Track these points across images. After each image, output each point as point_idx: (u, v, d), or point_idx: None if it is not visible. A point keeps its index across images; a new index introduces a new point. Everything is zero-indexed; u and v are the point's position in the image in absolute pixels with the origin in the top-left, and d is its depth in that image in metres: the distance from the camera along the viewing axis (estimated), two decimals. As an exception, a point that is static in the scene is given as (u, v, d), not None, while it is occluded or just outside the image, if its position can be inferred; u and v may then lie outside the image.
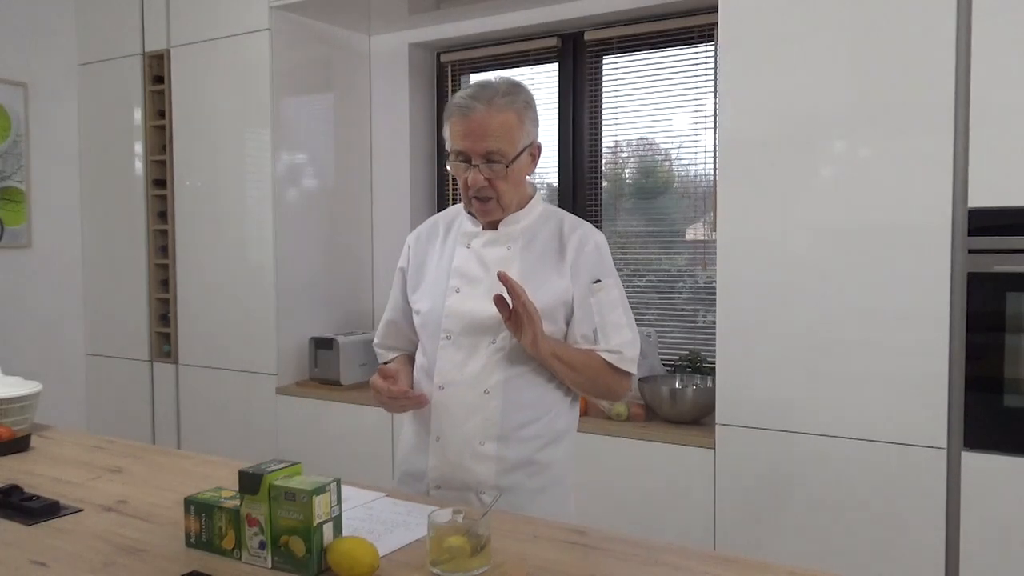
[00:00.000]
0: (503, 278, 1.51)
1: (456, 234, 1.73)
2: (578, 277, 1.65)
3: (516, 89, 1.62)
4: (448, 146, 1.65)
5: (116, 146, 3.79)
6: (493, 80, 1.63)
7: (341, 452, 3.18)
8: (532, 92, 1.67)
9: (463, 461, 1.62)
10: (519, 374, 1.63)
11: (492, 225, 1.69)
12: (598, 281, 1.66)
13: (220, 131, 3.47)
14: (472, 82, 1.66)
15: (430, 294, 1.71)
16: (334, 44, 3.58)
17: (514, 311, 1.52)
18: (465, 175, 1.61)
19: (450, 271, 1.69)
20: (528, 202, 1.71)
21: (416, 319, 1.74)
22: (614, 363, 1.65)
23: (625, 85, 3.25)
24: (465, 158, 1.60)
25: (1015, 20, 2.01)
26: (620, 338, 1.65)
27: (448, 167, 1.66)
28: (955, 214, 2.10)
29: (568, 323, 1.66)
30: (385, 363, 1.83)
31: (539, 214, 1.72)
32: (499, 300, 1.53)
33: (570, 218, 1.73)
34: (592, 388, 1.70)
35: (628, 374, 1.68)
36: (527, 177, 1.71)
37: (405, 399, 1.64)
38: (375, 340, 1.91)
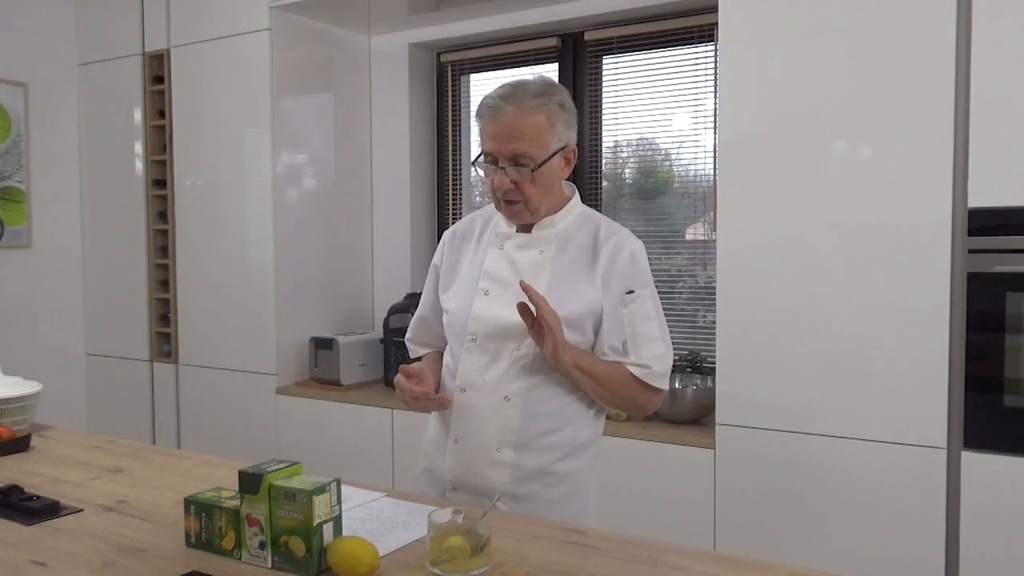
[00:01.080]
0: (525, 288, 1.49)
1: (491, 234, 1.70)
2: (609, 287, 1.60)
3: (550, 90, 1.57)
4: (480, 146, 1.62)
5: (116, 146, 3.79)
6: (528, 80, 1.59)
7: (341, 452, 3.18)
8: (568, 93, 1.62)
9: (479, 466, 1.60)
10: (541, 383, 1.59)
11: (527, 227, 1.66)
12: (631, 292, 1.60)
13: (220, 131, 3.47)
14: (507, 81, 1.62)
15: (459, 294, 1.68)
16: (334, 44, 3.58)
17: (536, 321, 1.51)
18: (493, 176, 1.58)
19: (480, 272, 1.66)
20: (565, 205, 1.67)
21: (444, 318, 1.72)
22: (641, 377, 1.59)
23: (625, 85, 3.25)
24: (493, 159, 1.57)
25: (1015, 20, 2.01)
26: (651, 352, 1.59)
27: (477, 168, 1.63)
28: (955, 214, 2.10)
29: (597, 333, 1.61)
30: (416, 359, 1.82)
31: (576, 218, 1.67)
32: (523, 308, 1.51)
33: (607, 223, 1.68)
34: (616, 401, 1.65)
35: (657, 390, 1.63)
36: (562, 180, 1.66)
37: (427, 400, 1.62)
38: (407, 335, 1.89)
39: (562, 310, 1.54)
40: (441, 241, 1.82)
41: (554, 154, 1.58)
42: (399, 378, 1.63)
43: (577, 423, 1.64)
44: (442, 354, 1.79)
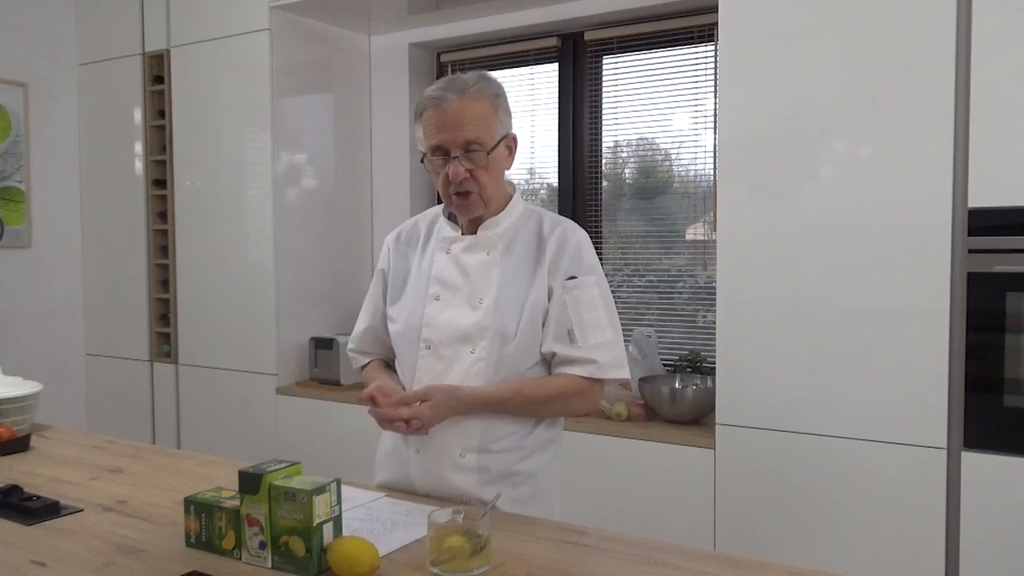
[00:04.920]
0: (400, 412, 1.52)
1: (436, 239, 1.69)
2: (555, 277, 1.59)
3: (485, 79, 1.58)
4: (421, 145, 1.60)
5: (116, 146, 3.79)
6: (460, 74, 1.60)
7: (341, 452, 3.18)
8: (502, 84, 1.63)
9: (443, 473, 1.59)
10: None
11: (472, 229, 1.64)
12: (573, 278, 1.59)
13: (220, 131, 3.47)
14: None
15: (409, 303, 1.66)
16: (334, 44, 3.59)
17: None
18: (445, 170, 1.56)
19: (429, 278, 1.65)
20: (508, 202, 1.66)
21: (392, 327, 1.69)
22: (591, 376, 1.57)
23: (625, 85, 3.25)
24: (443, 152, 1.55)
25: (1015, 20, 2.01)
26: (599, 337, 1.57)
27: (425, 166, 1.61)
28: (955, 214, 2.10)
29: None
30: (363, 367, 1.81)
31: (519, 214, 1.66)
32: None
33: (550, 216, 1.67)
34: (565, 413, 1.67)
35: (600, 382, 1.60)
36: (506, 175, 1.66)
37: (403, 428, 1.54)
38: (350, 345, 1.84)
39: (515, 308, 1.56)
40: (385, 246, 1.79)
41: (500, 141, 1.58)
42: (375, 411, 1.56)
43: (537, 421, 1.63)
44: (386, 363, 1.77)
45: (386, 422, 1.55)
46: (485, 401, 1.55)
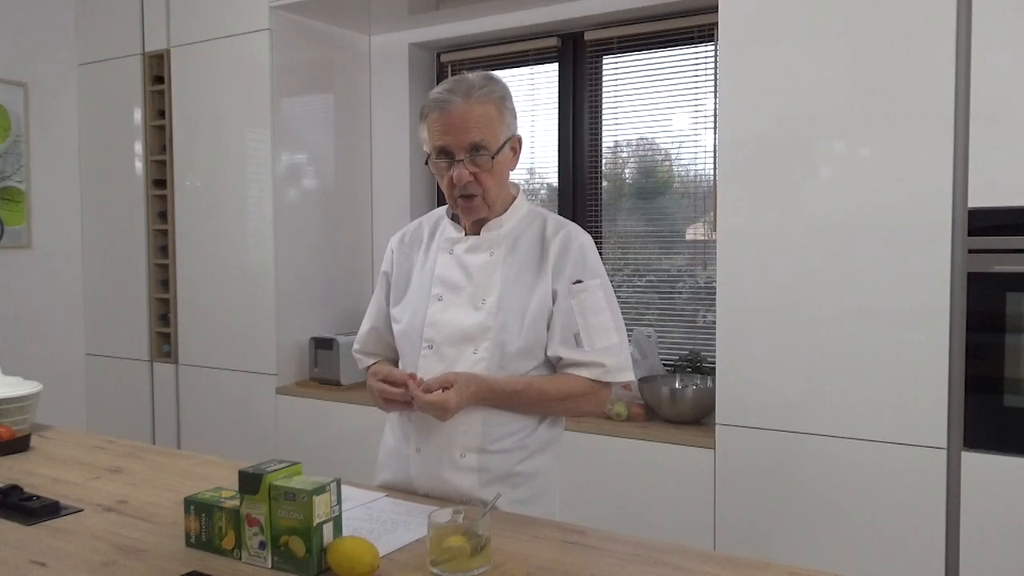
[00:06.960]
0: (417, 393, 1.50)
1: (440, 240, 1.69)
2: (559, 280, 1.59)
3: (492, 81, 1.58)
4: (426, 147, 1.60)
5: (116, 146, 3.79)
6: (465, 75, 1.59)
7: (341, 452, 3.18)
8: (508, 85, 1.62)
9: (443, 473, 1.59)
10: None
11: (475, 230, 1.65)
12: (579, 282, 1.59)
13: (220, 131, 3.47)
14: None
15: (412, 303, 1.66)
16: (334, 44, 3.59)
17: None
18: (449, 173, 1.56)
19: (432, 279, 1.65)
20: (511, 204, 1.66)
21: (396, 327, 1.70)
22: (598, 379, 1.58)
23: (625, 85, 3.25)
24: (448, 155, 1.56)
25: (1015, 20, 2.01)
26: (605, 341, 1.57)
27: (430, 167, 1.62)
28: (955, 214, 2.10)
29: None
30: (367, 368, 1.81)
31: (523, 216, 1.66)
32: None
33: (554, 219, 1.67)
34: (573, 414, 1.67)
35: (608, 386, 1.61)
36: (510, 176, 1.66)
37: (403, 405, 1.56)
38: (355, 346, 1.85)
39: (518, 310, 1.56)
40: (388, 248, 1.79)
41: (504, 143, 1.58)
42: (384, 386, 1.56)
43: (537, 422, 1.63)
44: (391, 363, 1.77)
45: (392, 402, 1.53)
46: (500, 389, 1.55)
